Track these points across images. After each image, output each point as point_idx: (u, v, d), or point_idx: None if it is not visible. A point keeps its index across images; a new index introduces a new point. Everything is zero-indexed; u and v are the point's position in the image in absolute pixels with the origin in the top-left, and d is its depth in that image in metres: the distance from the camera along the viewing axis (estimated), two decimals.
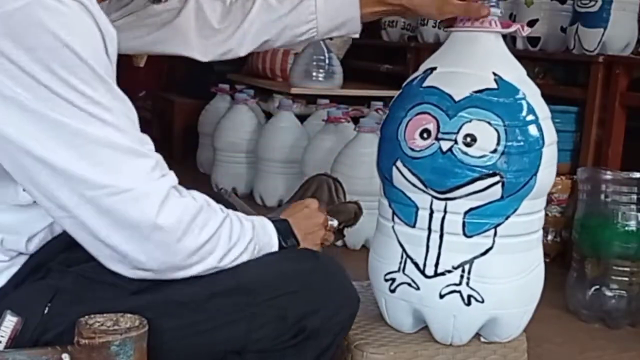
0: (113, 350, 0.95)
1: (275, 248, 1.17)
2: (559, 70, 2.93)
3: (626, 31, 2.56)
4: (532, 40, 2.83)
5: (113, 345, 0.95)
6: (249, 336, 1.10)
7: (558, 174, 2.59)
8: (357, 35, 1.46)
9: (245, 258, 1.10)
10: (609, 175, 2.15)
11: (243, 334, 1.10)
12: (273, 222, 1.19)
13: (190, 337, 1.09)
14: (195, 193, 1.08)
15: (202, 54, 1.45)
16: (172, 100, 4.37)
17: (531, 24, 2.82)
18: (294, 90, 3.35)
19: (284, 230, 1.19)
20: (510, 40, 2.91)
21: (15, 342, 1.02)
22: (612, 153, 2.49)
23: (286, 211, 1.29)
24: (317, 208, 1.30)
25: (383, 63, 3.69)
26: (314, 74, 3.37)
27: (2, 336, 1.02)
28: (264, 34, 1.43)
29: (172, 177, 1.03)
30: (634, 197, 2.10)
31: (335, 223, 1.35)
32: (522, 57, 2.84)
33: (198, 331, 1.09)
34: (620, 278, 2.10)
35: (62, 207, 0.96)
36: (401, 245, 1.38)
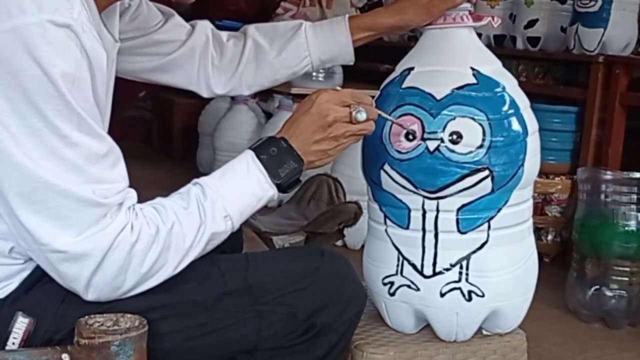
0: (113, 350, 0.95)
1: (269, 194, 1.12)
2: (559, 70, 2.93)
3: (626, 31, 2.56)
4: (532, 40, 2.83)
5: (113, 345, 0.95)
6: (260, 334, 1.11)
7: (558, 174, 2.63)
8: (352, 63, 1.46)
9: (211, 245, 1.08)
10: (609, 175, 2.15)
11: (254, 332, 1.11)
12: (260, 156, 1.11)
13: (203, 336, 1.09)
14: (148, 210, 1.04)
15: (206, 89, 1.43)
16: (172, 100, 4.37)
17: (531, 24, 2.83)
18: (294, 90, 3.35)
19: (277, 159, 1.11)
20: (510, 40, 2.91)
21: (28, 342, 1.03)
22: (612, 153, 2.50)
23: (290, 119, 1.17)
24: (327, 100, 1.14)
25: (383, 63, 3.69)
26: (314, 74, 3.37)
27: (14, 337, 1.03)
28: (259, 75, 1.42)
29: (119, 221, 1.00)
30: (634, 197, 2.10)
31: (363, 115, 1.15)
32: (522, 57, 2.88)
33: (210, 331, 1.09)
34: (620, 278, 2.11)
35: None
36: (396, 248, 1.38)
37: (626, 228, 2.09)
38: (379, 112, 1.22)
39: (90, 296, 1.01)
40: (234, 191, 1.09)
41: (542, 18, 2.81)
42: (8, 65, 0.91)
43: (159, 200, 1.08)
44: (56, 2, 0.93)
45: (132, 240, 1.00)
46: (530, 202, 1.41)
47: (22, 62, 0.91)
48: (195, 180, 1.10)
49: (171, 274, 1.05)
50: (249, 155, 1.13)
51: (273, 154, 1.12)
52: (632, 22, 2.59)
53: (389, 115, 1.28)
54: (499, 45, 2.91)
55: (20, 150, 0.92)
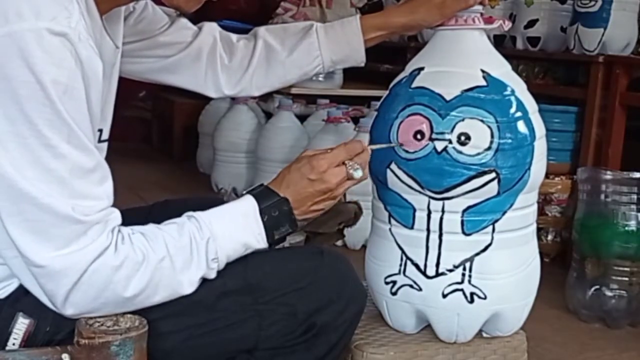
0: (113, 350, 0.95)
1: (256, 247, 1.13)
2: (559, 70, 2.93)
3: (626, 31, 2.56)
4: (532, 40, 2.83)
5: (113, 345, 0.95)
6: (260, 334, 1.11)
7: (558, 174, 2.63)
8: (362, 64, 1.46)
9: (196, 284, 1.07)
10: (609, 175, 2.15)
11: (254, 332, 1.11)
12: (262, 214, 1.12)
13: (203, 336, 1.10)
14: (137, 237, 1.03)
15: (214, 90, 1.43)
16: (172, 100, 4.37)
17: (531, 24, 2.82)
18: (294, 90, 3.35)
19: (276, 220, 1.13)
20: (510, 40, 2.91)
21: (28, 343, 1.03)
22: (612, 153, 2.50)
23: (287, 178, 1.17)
24: (327, 166, 1.17)
25: (383, 63, 3.69)
26: None
27: (15, 338, 1.03)
28: (271, 75, 1.42)
29: (100, 242, 0.98)
30: (634, 197, 2.10)
31: (359, 173, 1.19)
32: (522, 57, 2.88)
33: (210, 330, 1.09)
34: (620, 278, 2.10)
35: None
36: (400, 248, 1.38)
37: (626, 228, 2.09)
38: (373, 147, 1.28)
39: (68, 312, 1.00)
40: (229, 237, 1.09)
41: (542, 18, 2.81)
42: (2, 70, 0.90)
43: (150, 227, 1.06)
44: (54, 10, 0.93)
45: (115, 264, 0.99)
46: (535, 207, 1.41)
47: (16, 68, 0.90)
48: (191, 213, 1.10)
49: (157, 302, 1.04)
50: (252, 207, 1.13)
51: (274, 214, 1.14)
52: (632, 22, 2.58)
53: (385, 144, 1.32)
54: (499, 45, 2.91)
55: (6, 157, 0.91)
